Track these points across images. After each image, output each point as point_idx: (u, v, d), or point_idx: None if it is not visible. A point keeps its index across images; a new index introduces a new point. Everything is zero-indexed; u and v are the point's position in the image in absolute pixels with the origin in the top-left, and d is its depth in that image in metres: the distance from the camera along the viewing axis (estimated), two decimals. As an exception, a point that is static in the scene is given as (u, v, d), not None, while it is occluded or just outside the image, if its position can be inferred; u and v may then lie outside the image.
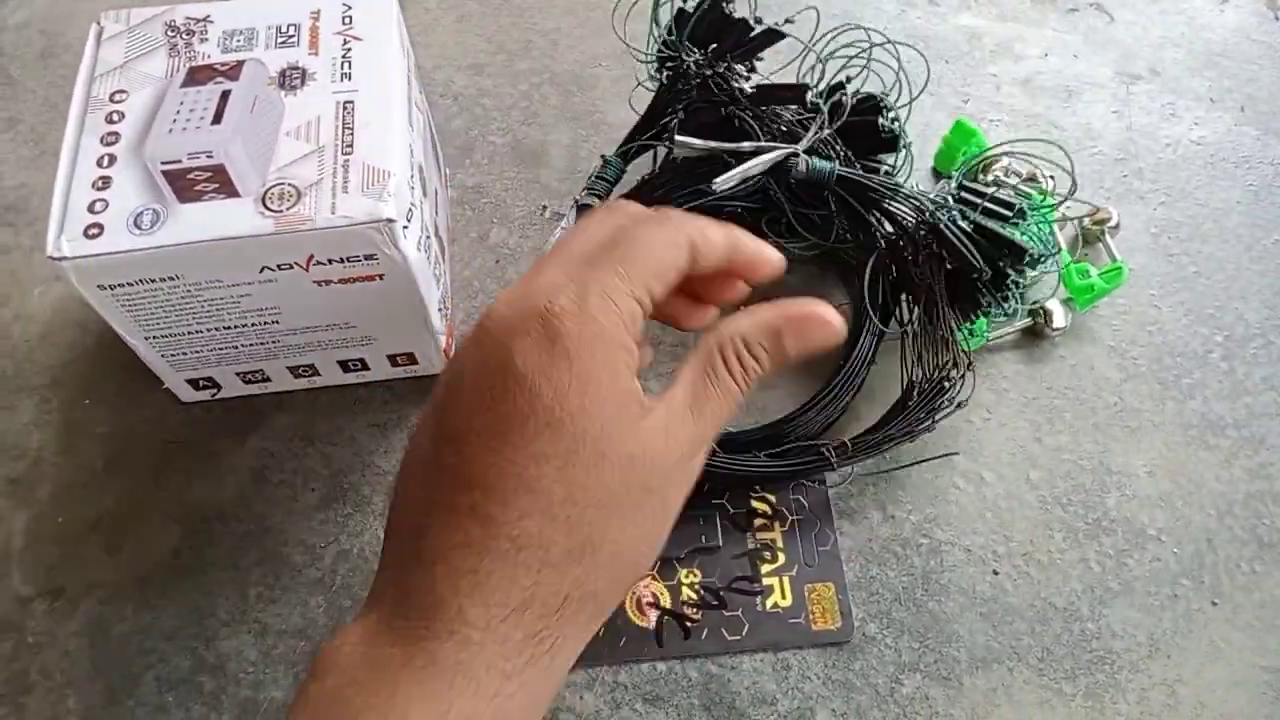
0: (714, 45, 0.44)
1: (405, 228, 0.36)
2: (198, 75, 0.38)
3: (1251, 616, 0.40)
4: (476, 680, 0.24)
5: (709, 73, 0.43)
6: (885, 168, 0.45)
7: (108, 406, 0.45)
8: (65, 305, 0.47)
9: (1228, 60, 0.57)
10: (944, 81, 0.56)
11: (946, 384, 0.40)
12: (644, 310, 0.26)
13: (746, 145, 0.41)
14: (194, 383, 0.43)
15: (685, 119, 0.44)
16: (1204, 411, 0.45)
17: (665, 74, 0.45)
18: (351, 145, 0.36)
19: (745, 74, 0.44)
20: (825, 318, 0.27)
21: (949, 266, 0.40)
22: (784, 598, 0.40)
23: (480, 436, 0.25)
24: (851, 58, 0.44)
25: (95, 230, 0.34)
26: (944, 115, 0.54)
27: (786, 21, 0.43)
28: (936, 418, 0.41)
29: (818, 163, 0.41)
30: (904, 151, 0.44)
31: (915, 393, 0.41)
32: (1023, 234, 0.40)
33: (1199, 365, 0.46)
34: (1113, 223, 0.49)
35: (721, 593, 0.40)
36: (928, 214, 0.40)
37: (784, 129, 0.43)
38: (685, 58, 0.43)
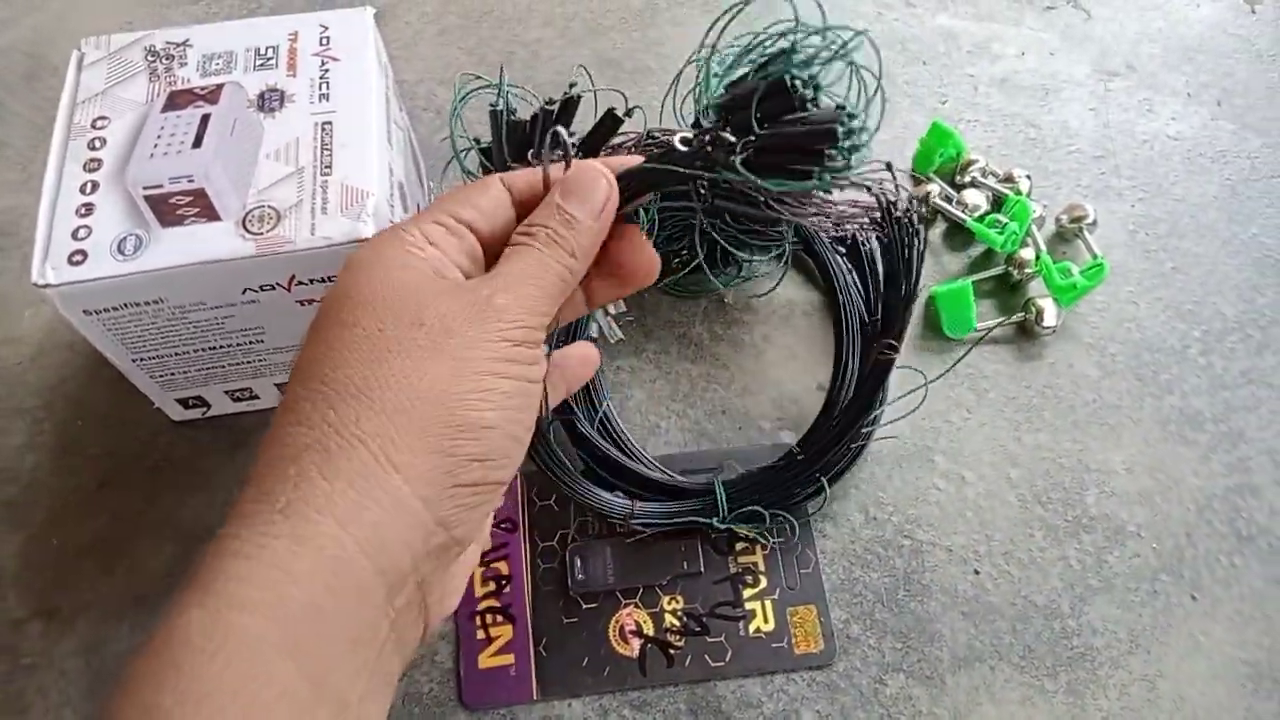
0: (530, 150, 0.41)
1: (385, 247, 0.36)
2: (178, 100, 0.39)
3: (1231, 610, 0.40)
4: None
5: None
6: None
7: (100, 427, 0.45)
8: (55, 327, 0.48)
9: (1204, 55, 0.58)
10: (921, 83, 0.56)
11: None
12: (448, 227, 0.29)
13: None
14: (184, 402, 0.43)
15: None
16: (1182, 407, 0.45)
17: None
18: (330, 166, 0.37)
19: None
20: None
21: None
22: (766, 622, 0.40)
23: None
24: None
25: (79, 257, 0.35)
26: (922, 117, 0.54)
27: (571, 86, 0.41)
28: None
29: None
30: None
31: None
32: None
33: (1177, 361, 0.47)
34: (1090, 220, 0.49)
35: (704, 618, 0.40)
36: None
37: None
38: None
